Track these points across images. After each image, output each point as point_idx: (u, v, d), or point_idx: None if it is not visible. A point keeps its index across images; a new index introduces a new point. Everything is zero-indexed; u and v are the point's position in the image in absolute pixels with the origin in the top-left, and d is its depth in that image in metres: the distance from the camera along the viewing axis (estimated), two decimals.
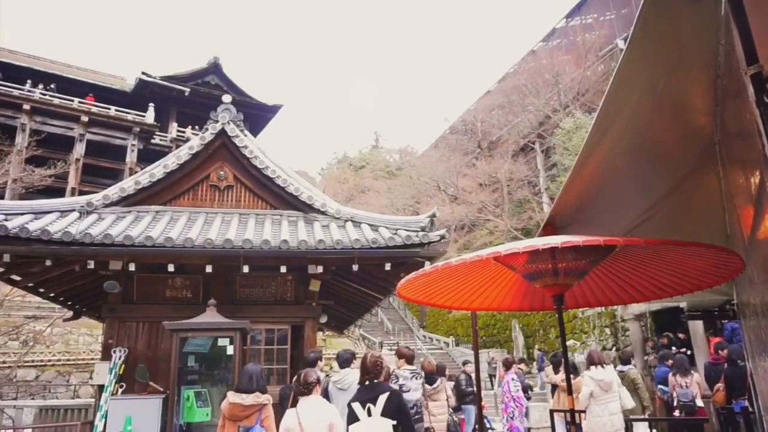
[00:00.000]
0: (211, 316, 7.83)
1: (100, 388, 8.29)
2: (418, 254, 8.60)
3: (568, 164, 25.25)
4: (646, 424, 7.31)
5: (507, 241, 25.98)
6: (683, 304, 10.39)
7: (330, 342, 24.19)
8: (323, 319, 10.40)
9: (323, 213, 9.59)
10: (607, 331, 17.13)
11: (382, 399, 4.14)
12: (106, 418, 7.68)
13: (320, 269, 8.83)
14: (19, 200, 14.62)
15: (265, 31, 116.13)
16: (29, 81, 29.38)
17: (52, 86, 30.09)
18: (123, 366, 8.34)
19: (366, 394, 4.24)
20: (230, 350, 7.76)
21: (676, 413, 7.99)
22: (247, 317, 8.41)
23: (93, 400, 9.60)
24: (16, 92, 28.23)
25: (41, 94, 29.11)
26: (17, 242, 7.48)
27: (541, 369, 16.77)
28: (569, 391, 3.33)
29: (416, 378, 6.36)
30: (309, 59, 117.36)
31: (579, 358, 17.27)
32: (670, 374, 8.74)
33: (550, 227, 3.27)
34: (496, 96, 36.85)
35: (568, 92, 30.54)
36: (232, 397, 4.38)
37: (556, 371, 9.30)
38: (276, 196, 9.78)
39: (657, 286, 3.26)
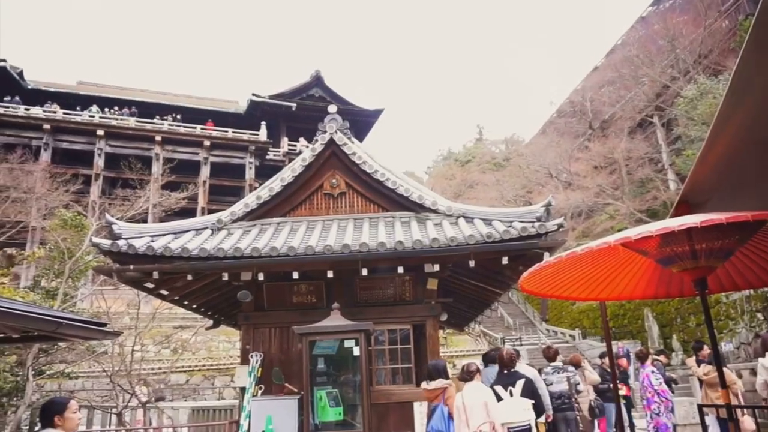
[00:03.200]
0: (335, 320, 8.16)
1: (242, 389, 8.95)
2: (535, 246, 8.31)
3: (695, 135, 23.12)
4: None
5: (630, 224, 24.31)
6: None
7: (450, 340, 24.14)
8: (443, 317, 10.40)
9: (434, 211, 9.60)
10: (759, 316, 15.42)
11: (520, 383, 5.29)
12: (249, 417, 8.28)
13: (436, 267, 8.85)
14: (160, 223, 16.24)
15: (358, 36, 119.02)
16: (157, 116, 32.65)
17: (177, 117, 33.19)
18: (260, 369, 8.94)
19: (506, 380, 5.42)
20: (356, 351, 8.02)
21: None
22: (369, 319, 8.62)
23: (236, 401, 10.38)
24: (149, 126, 31.51)
25: (169, 125, 32.21)
26: (162, 260, 8.34)
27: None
28: (722, 384, 3.04)
29: (558, 372, 7.37)
30: (405, 58, 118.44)
31: (727, 347, 15.75)
32: None
33: (684, 206, 3.00)
34: (605, 71, 34.71)
35: (687, 57, 27.95)
36: (423, 384, 5.56)
37: (699, 363, 8.53)
38: (387, 199, 9.96)
39: None
